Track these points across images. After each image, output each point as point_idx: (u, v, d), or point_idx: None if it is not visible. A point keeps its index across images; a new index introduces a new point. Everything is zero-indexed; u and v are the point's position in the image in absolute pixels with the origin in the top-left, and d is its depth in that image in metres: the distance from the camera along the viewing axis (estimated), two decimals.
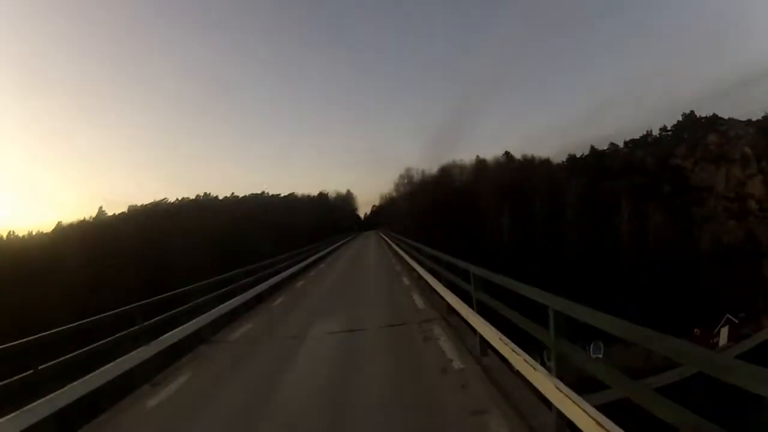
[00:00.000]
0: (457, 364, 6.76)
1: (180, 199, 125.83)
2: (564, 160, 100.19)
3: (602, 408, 3.41)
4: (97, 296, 49.61)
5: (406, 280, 16.66)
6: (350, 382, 6.60)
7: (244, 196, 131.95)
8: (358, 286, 17.54)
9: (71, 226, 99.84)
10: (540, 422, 4.58)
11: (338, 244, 50.41)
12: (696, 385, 35.74)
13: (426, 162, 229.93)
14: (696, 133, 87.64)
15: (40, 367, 5.56)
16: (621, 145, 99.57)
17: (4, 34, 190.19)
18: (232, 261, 26.17)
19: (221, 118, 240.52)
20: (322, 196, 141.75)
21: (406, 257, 20.44)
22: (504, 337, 5.66)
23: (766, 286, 60.99)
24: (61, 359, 5.99)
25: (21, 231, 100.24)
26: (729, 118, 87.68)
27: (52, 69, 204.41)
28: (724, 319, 56.15)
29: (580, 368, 3.90)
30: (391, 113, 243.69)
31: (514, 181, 79.26)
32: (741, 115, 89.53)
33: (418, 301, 12.20)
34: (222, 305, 11.59)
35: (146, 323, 8.00)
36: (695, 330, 55.56)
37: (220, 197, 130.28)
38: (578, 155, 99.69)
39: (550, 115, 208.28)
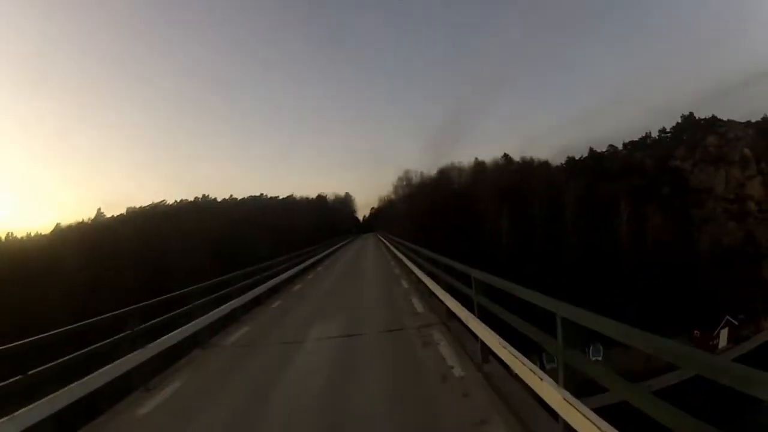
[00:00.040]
0: (457, 371, 6.58)
1: (178, 201, 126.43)
2: (563, 162, 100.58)
3: (601, 411, 3.39)
4: (97, 296, 49.90)
5: (404, 284, 16.53)
6: (348, 391, 6.42)
7: (243, 199, 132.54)
8: (356, 290, 17.36)
9: (70, 227, 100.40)
10: None
11: (336, 246, 50.22)
12: (695, 388, 35.72)
13: (425, 164, 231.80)
14: (695, 134, 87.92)
15: (30, 372, 5.44)
16: (620, 146, 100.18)
17: (2, 33, 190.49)
18: (231, 263, 26.04)
19: (220, 118, 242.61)
20: (321, 199, 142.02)
21: (405, 260, 20.30)
22: (507, 345, 5.44)
23: (766, 287, 61.04)
24: (50, 364, 5.85)
25: (20, 232, 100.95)
26: (728, 120, 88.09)
27: (52, 68, 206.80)
28: (723, 321, 56.36)
29: (578, 370, 3.85)
30: (390, 115, 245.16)
31: (512, 184, 79.33)
32: (740, 116, 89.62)
33: (417, 304, 12.05)
34: (218, 308, 11.43)
35: (141, 327, 7.85)
36: (695, 332, 55.69)
37: (219, 199, 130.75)
38: (577, 157, 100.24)
39: (549, 117, 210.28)
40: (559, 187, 75.85)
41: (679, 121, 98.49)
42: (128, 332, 7.44)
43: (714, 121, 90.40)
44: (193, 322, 9.77)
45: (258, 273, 16.30)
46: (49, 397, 5.47)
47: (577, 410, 3.50)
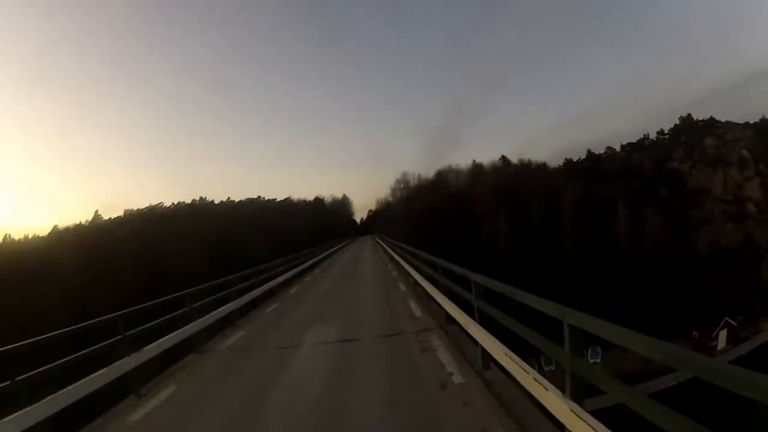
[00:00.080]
0: (457, 379, 6.39)
1: (176, 203, 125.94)
2: (561, 164, 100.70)
3: (598, 413, 3.33)
4: (95, 298, 49.89)
5: (402, 286, 16.37)
6: (344, 398, 6.26)
7: (240, 201, 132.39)
8: (353, 293, 17.20)
9: (67, 229, 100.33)
10: None
11: (334, 248, 50.16)
12: (694, 389, 35.66)
13: (423, 166, 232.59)
14: (693, 136, 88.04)
15: (17, 378, 5.31)
16: (618, 148, 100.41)
17: (2, 33, 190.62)
18: (228, 266, 25.91)
19: (218, 119, 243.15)
20: (318, 201, 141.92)
21: (402, 262, 20.18)
22: (510, 352, 5.24)
23: (764, 288, 61.15)
24: (39, 369, 5.73)
25: (17, 234, 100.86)
26: (726, 121, 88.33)
27: (51, 69, 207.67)
28: (722, 323, 56.36)
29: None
30: (388, 117, 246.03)
31: (510, 186, 79.40)
32: (739, 117, 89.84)
33: (415, 308, 11.86)
34: (214, 312, 11.34)
35: (135, 330, 7.74)
36: (694, 333, 55.75)
37: (216, 201, 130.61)
38: (575, 159, 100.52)
39: (547, 119, 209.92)
40: (557, 189, 75.86)
41: (677, 122, 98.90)
42: (121, 336, 7.33)
43: (712, 122, 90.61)
44: (188, 326, 9.69)
45: (254, 276, 16.22)
46: (34, 405, 5.30)
47: (586, 423, 3.36)
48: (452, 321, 8.58)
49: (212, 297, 12.02)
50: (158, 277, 54.82)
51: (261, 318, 13.45)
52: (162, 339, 8.57)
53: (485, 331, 6.26)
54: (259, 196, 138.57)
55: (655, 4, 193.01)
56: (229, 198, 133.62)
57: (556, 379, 4.04)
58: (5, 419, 4.99)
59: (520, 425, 4.78)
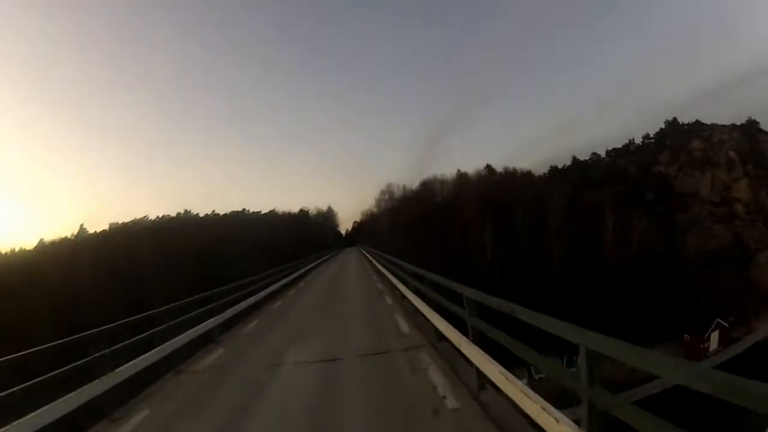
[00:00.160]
0: (451, 403, 5.88)
1: (160, 216, 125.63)
2: (546, 171, 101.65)
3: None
4: (81, 312, 49.63)
5: (388, 300, 16.05)
6: (327, 426, 5.83)
7: (225, 214, 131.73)
8: (338, 307, 16.77)
9: (53, 243, 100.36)
10: None
11: (319, 261, 49.86)
12: (679, 396, 35.62)
13: (408, 177, 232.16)
14: (679, 139, 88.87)
15: None
16: (603, 154, 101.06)
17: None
18: (213, 279, 25.49)
19: (204, 132, 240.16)
20: (303, 213, 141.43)
21: (388, 275, 19.88)
22: (512, 377, 4.68)
23: (755, 288, 61.76)
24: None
25: (3, 248, 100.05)
26: (712, 124, 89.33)
27: (44, 80, 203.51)
28: (714, 324, 56.62)
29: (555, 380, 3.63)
30: (373, 127, 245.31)
31: (495, 195, 79.62)
32: (725, 119, 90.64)
33: (403, 324, 11.44)
34: (193, 329, 10.85)
35: (108, 350, 7.36)
36: (685, 336, 55.93)
37: (201, 215, 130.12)
38: (560, 166, 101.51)
39: (532, 128, 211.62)
40: (543, 197, 76.19)
41: (663, 126, 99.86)
42: (93, 357, 6.95)
43: (698, 125, 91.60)
44: (164, 345, 9.23)
45: (237, 290, 15.81)
46: None
47: None
48: (443, 337, 8.11)
49: (191, 313, 11.52)
50: (142, 292, 54.16)
51: (242, 335, 12.93)
52: (137, 359, 8.10)
53: (480, 351, 5.78)
54: (244, 209, 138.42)
55: (637, 10, 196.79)
56: (213, 211, 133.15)
57: (544, 386, 3.76)
58: None
59: None
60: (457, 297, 6.81)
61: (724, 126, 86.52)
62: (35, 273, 67.70)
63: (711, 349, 55.98)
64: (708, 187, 76.64)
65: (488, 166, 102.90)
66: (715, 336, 56.87)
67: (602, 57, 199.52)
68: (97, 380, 6.73)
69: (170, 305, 10.36)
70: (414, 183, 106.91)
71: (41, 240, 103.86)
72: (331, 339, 10.98)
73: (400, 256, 20.70)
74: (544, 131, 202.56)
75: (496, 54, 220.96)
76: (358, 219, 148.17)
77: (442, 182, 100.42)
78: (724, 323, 57.10)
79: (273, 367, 8.78)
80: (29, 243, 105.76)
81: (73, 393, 6.21)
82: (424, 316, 9.81)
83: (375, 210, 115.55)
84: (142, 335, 8.74)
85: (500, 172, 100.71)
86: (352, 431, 5.59)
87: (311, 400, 6.83)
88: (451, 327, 7.35)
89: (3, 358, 5.61)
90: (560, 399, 4.38)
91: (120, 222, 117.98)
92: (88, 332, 7.24)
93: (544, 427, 3.78)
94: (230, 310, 13.94)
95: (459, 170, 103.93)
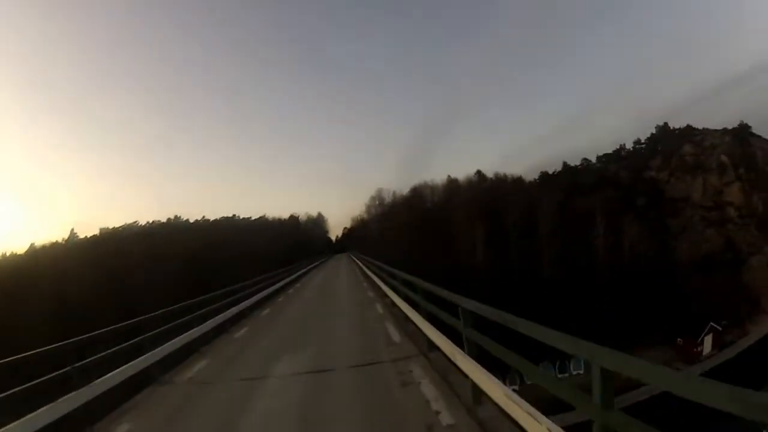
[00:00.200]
0: (445, 419, 5.52)
1: (151, 222, 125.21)
2: (536, 177, 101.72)
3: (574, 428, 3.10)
4: (71, 317, 48.99)
5: (379, 308, 15.79)
6: None
7: (215, 220, 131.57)
8: (327, 315, 16.50)
9: (44, 248, 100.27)
10: None
11: (309, 267, 49.65)
12: (666, 402, 35.54)
13: (398, 183, 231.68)
14: (671, 144, 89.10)
15: None
16: (594, 159, 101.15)
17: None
18: (203, 285, 25.18)
19: (196, 137, 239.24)
20: (293, 219, 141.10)
21: (379, 282, 19.69)
22: (513, 394, 4.25)
23: (748, 292, 61.97)
24: None
25: None
26: (703, 128, 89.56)
27: (46, 84, 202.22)
28: (707, 328, 56.72)
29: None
30: (363, 133, 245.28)
31: (486, 201, 79.59)
32: (716, 124, 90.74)
33: (393, 332, 11.17)
34: (177, 338, 10.53)
35: (86, 361, 7.08)
36: (678, 340, 56.00)
37: (191, 221, 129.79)
38: (551, 171, 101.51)
39: (523, 133, 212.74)
40: (534, 203, 76.14)
41: (654, 131, 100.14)
42: (70, 367, 6.67)
43: (689, 130, 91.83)
44: (146, 355, 8.93)
45: (226, 296, 15.58)
46: None
47: None
48: (435, 347, 7.84)
49: (177, 321, 11.24)
50: (132, 298, 53.70)
51: (229, 344, 12.59)
52: (117, 370, 7.81)
53: (477, 365, 5.42)
54: (234, 215, 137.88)
55: (627, 15, 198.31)
56: (204, 217, 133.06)
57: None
58: None
59: None
60: (448, 306, 6.54)
61: (715, 130, 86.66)
62: (26, 278, 67.80)
63: (704, 353, 56.06)
64: (700, 192, 76.87)
65: (479, 172, 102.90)
66: (708, 339, 56.97)
67: (593, 64, 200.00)
68: (73, 393, 6.46)
69: (154, 313, 10.18)
70: (404, 189, 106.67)
71: (32, 245, 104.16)
72: (321, 349, 10.73)
73: (391, 263, 20.46)
74: (534, 137, 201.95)
75: (486, 61, 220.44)
76: (348, 225, 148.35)
77: (433, 188, 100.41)
78: (717, 327, 57.20)
79: (261, 379, 8.53)
80: (21, 247, 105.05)
81: (46, 407, 5.94)
82: (414, 324, 9.58)
83: (365, 216, 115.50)
84: (124, 344, 8.52)
85: (491, 178, 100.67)
86: None
87: (299, 413, 6.56)
88: (443, 336, 7.08)
89: None
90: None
91: (110, 227, 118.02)
92: (65, 342, 7.00)
93: None
94: (216, 318, 13.65)
95: (449, 176, 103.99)
